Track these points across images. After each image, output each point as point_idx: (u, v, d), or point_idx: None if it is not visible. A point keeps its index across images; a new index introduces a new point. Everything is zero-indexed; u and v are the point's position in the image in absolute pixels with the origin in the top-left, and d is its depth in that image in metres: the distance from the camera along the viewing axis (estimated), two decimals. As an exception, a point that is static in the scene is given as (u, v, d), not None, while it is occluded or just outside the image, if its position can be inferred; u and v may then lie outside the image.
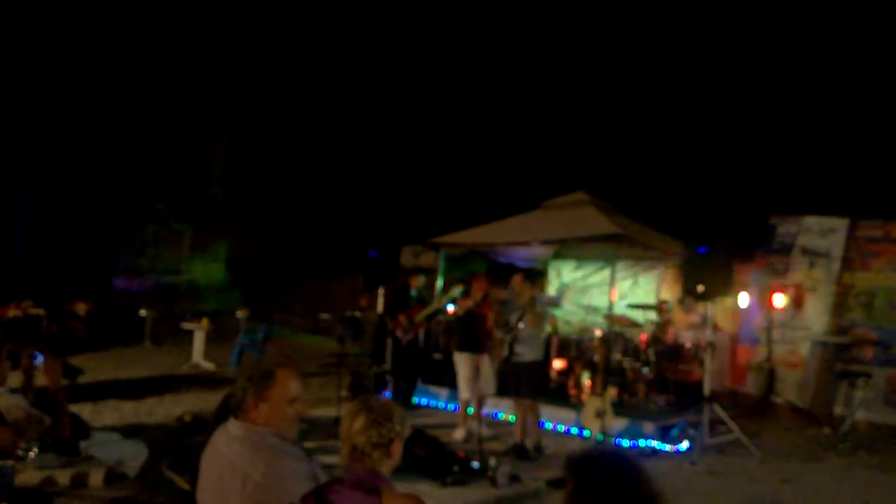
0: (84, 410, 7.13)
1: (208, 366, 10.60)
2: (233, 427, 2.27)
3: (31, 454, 2.46)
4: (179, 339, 12.21)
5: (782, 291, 8.77)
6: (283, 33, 20.71)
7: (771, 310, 8.74)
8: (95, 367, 10.12)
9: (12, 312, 11.41)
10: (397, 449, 2.13)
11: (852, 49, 13.31)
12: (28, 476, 2.35)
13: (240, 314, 11.39)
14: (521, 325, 6.15)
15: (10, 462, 2.31)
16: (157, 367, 10.40)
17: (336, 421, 6.74)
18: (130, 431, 6.46)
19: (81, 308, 13.56)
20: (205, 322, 10.82)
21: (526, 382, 6.18)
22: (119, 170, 19.23)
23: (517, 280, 6.38)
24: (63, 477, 2.34)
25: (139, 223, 19.98)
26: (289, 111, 21.36)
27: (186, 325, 11.04)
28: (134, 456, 3.78)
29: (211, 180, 21.67)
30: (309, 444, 6.00)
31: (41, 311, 12.11)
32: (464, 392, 6.84)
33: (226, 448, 2.23)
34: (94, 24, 18.62)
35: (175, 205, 20.46)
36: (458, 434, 6.71)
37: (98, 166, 18.79)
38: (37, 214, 17.93)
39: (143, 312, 12.60)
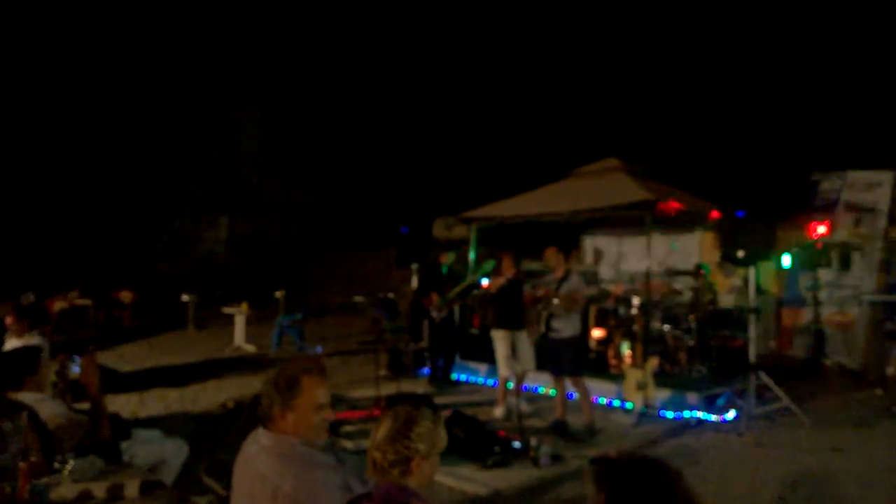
0: (130, 401, 7.39)
1: (250, 348, 10.82)
2: (262, 436, 2.26)
3: (68, 467, 2.48)
4: (222, 323, 12.51)
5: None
6: (310, 16, 20.52)
7: (816, 269, 8.39)
8: (142, 355, 10.48)
9: (59, 304, 11.88)
10: (420, 468, 2.00)
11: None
12: (65, 489, 2.37)
13: (278, 295, 11.55)
14: (555, 301, 6.04)
15: (44, 479, 2.33)
16: (200, 352, 10.66)
17: (376, 401, 6.82)
18: (176, 420, 6.66)
19: (127, 296, 14.06)
20: (244, 306, 11.01)
21: (566, 360, 6.09)
22: (155, 158, 19.58)
23: (550, 253, 6.24)
24: (99, 489, 2.36)
25: (178, 209, 20.39)
26: (316, 91, 21.31)
27: (227, 310, 11.26)
28: (175, 455, 3.84)
29: (242, 164, 21.89)
30: (349, 429, 6.10)
31: (88, 302, 12.59)
32: (503, 369, 6.79)
33: (255, 459, 2.22)
34: (130, 15, 18.77)
35: (210, 190, 20.78)
36: (498, 412, 6.69)
37: (135, 156, 19.16)
38: (79, 204, 18.44)
39: (185, 298, 12.90)
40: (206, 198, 20.58)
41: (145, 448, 3.79)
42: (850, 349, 8.28)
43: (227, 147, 21.58)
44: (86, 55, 18.13)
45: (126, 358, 10.33)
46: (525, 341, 6.83)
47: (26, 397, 3.08)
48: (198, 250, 20.09)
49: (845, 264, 8.44)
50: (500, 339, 6.77)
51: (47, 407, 3.14)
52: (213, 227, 20.81)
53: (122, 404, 7.25)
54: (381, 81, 20.62)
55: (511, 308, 6.72)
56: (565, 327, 6.08)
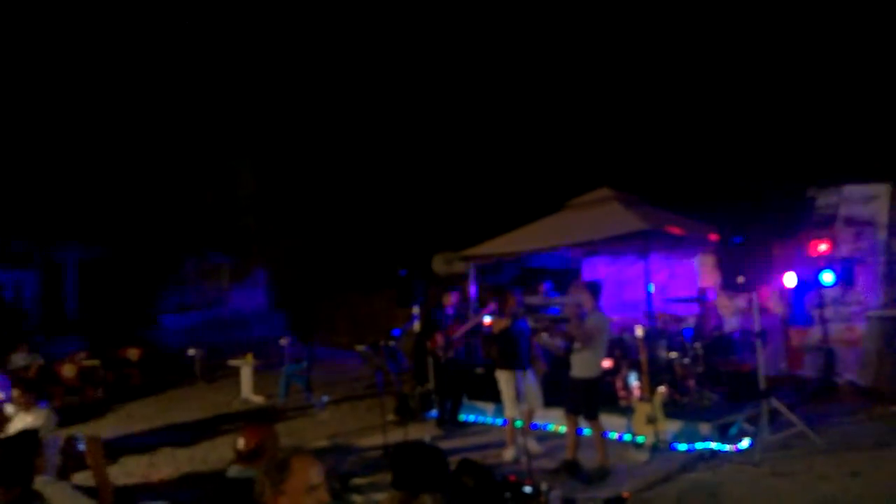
0: (140, 463, 7.35)
1: (258, 399, 10.77)
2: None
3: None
4: (230, 373, 12.47)
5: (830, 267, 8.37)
6: (301, 57, 20.91)
7: (821, 287, 8.36)
8: (151, 413, 10.44)
9: (68, 368, 11.90)
10: None
11: (881, 12, 12.62)
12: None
13: (283, 342, 11.55)
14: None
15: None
16: (209, 407, 10.61)
17: (384, 450, 6.76)
18: (186, 482, 6.61)
19: (134, 354, 14.05)
20: (249, 357, 11.01)
21: (581, 402, 6.00)
22: (154, 210, 19.77)
23: (575, 290, 6.21)
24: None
25: (180, 260, 20.51)
26: (310, 132, 21.57)
27: (233, 363, 11.25)
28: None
29: (241, 210, 22.07)
30: (358, 482, 6.04)
31: (96, 362, 12.61)
32: (509, 410, 6.74)
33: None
34: (120, 66, 19.16)
35: (210, 238, 20.93)
36: (508, 454, 6.61)
37: (134, 208, 19.36)
38: (85, 259, 18.57)
39: (191, 352, 12.90)
40: (204, 246, 20.71)
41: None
42: (860, 366, 8.19)
43: (224, 195, 21.81)
44: (79, 106, 18.47)
45: (135, 417, 10.29)
46: (532, 380, 6.79)
47: (36, 482, 3.11)
48: (201, 301, 20.14)
49: (849, 280, 8.40)
50: (504, 381, 6.74)
51: (58, 495, 3.15)
52: (216, 276, 20.91)
53: (133, 467, 7.22)
54: (374, 121, 20.88)
55: (514, 348, 6.70)
56: (582, 365, 6.01)
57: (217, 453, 7.66)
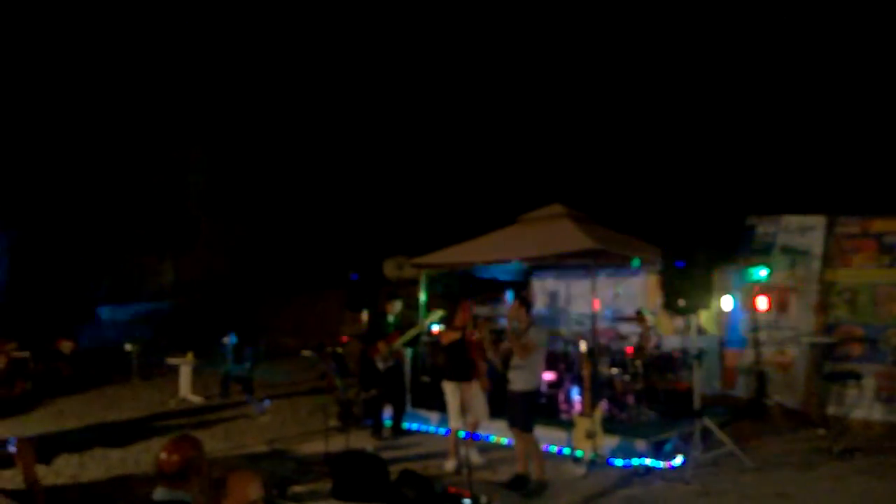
0: (70, 463, 7.03)
1: (196, 399, 10.47)
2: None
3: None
4: (168, 371, 12.08)
5: (765, 293, 8.75)
6: (257, 52, 20.52)
7: (755, 312, 8.71)
8: (83, 410, 10.01)
9: (-3, 358, 11.29)
10: None
11: (824, 47, 13.33)
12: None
13: (225, 340, 11.26)
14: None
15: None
16: (145, 406, 10.25)
17: (325, 457, 6.67)
18: (118, 483, 6.37)
19: (66, 346, 13.46)
20: (190, 356, 10.69)
21: (518, 413, 6.08)
22: (97, 197, 19.00)
23: (514, 307, 6.28)
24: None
25: (121, 251, 19.75)
26: (264, 129, 21.19)
27: (171, 361, 10.90)
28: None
29: (190, 203, 21.46)
30: (297, 489, 5.93)
31: (26, 354, 12.01)
32: (453, 421, 6.76)
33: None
34: (71, 50, 18.37)
35: (155, 230, 20.25)
36: (449, 465, 6.62)
37: (76, 195, 18.56)
38: (17, 246, 17.68)
39: (128, 347, 12.41)
40: (151, 239, 20.01)
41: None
42: (790, 389, 8.57)
43: (174, 187, 21.15)
44: (19, 88, 17.61)
45: (67, 414, 9.84)
46: (477, 391, 6.83)
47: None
48: (142, 294, 19.44)
49: (783, 306, 8.79)
50: (451, 392, 6.76)
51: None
52: (158, 270, 20.25)
53: (63, 467, 6.90)
54: (329, 125, 20.68)
55: (462, 361, 6.73)
56: (519, 381, 6.08)
57: (151, 455, 7.38)
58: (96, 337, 15.10)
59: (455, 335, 6.72)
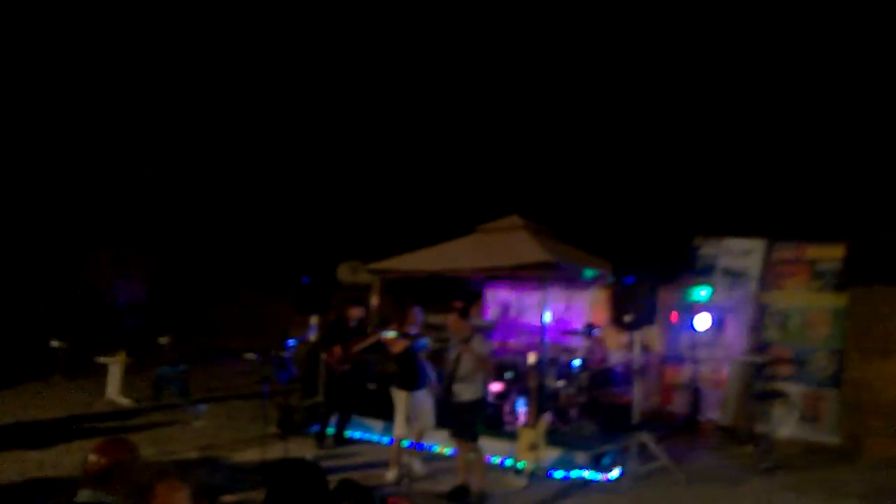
0: (-20, 465, 6.55)
1: (125, 402, 9.95)
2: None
3: None
4: (96, 371, 11.46)
5: (705, 312, 9.04)
6: (211, 41, 19.93)
7: (695, 330, 8.99)
8: (-2, 408, 9.37)
9: None
10: None
11: (768, 72, 14.01)
12: None
13: (162, 341, 10.78)
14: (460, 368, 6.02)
15: None
16: (68, 406, 9.66)
17: (262, 465, 6.44)
18: (34, 487, 5.97)
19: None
20: (121, 355, 10.17)
21: (465, 423, 6.04)
22: (30, 183, 17.97)
23: (452, 319, 6.25)
24: None
25: (53, 241, 18.69)
26: (216, 121, 20.57)
27: (101, 360, 10.34)
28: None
29: (135, 195, 20.55)
30: (228, 499, 5.70)
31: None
32: (398, 428, 6.66)
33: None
34: (28, 39, 17.40)
35: (91, 217, 19.26)
36: (391, 475, 6.51)
37: (14, 186, 17.52)
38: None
39: (54, 343, 11.70)
40: (89, 228, 19.02)
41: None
42: (722, 407, 8.87)
43: (119, 179, 20.23)
44: None
45: (-20, 411, 9.20)
46: (426, 399, 6.75)
47: None
48: (76, 288, 18.42)
49: (720, 325, 9.10)
50: (400, 399, 6.67)
51: None
52: (95, 261, 19.26)
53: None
54: (286, 124, 20.28)
55: (412, 369, 6.66)
56: (465, 391, 6.05)
57: (71, 458, 6.97)
58: (20, 334, 14.16)
59: (404, 344, 6.64)
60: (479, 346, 6.10)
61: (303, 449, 7.39)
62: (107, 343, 11.48)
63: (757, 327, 8.98)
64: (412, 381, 6.64)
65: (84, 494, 2.48)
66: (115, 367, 10.12)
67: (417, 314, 6.89)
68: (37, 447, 7.29)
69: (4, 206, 16.98)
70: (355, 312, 8.28)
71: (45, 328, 13.26)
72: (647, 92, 15.32)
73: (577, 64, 16.42)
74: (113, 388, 10.06)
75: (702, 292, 9.06)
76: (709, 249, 9.62)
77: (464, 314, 6.22)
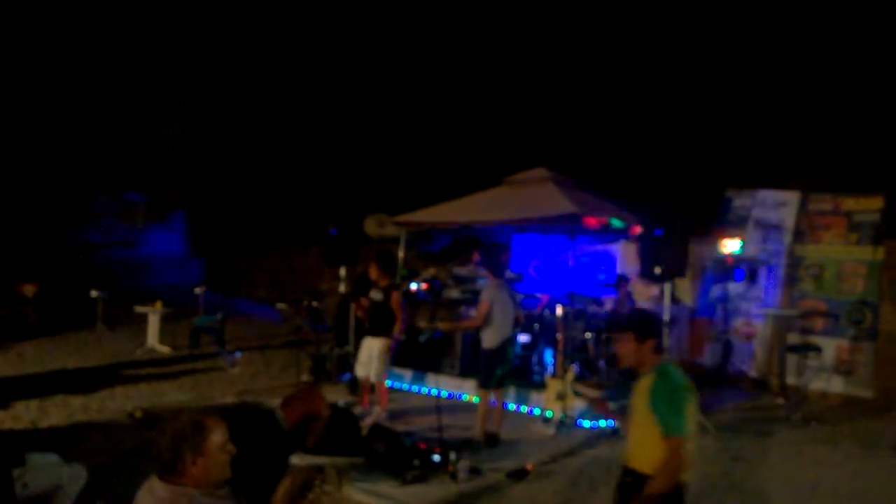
0: (30, 408, 6.90)
1: (164, 350, 10.32)
2: (158, 489, 2.12)
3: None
4: (135, 320, 11.87)
5: (738, 264, 8.89)
6: (238, 4, 19.70)
7: (727, 282, 8.87)
8: (45, 356, 9.80)
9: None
10: None
11: (805, 24, 13.31)
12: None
13: (198, 290, 11.06)
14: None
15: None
16: (109, 354, 10.06)
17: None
18: (79, 431, 6.25)
19: (29, 290, 13.10)
20: (158, 305, 10.49)
21: (478, 369, 6.18)
22: (66, 139, 18.29)
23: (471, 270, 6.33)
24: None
25: (89, 195, 19.12)
26: (246, 76, 20.51)
27: (140, 309, 10.68)
28: (72, 482, 3.60)
29: (164, 148, 20.80)
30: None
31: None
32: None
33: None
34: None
35: (127, 174, 19.61)
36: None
37: (43, 136, 17.84)
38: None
39: (93, 294, 12.10)
40: (120, 182, 19.36)
41: (40, 475, 3.54)
42: (754, 359, 8.81)
43: (149, 132, 20.46)
44: None
45: (28, 358, 9.63)
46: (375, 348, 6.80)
47: None
48: (110, 240, 18.92)
49: (753, 278, 8.95)
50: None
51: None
52: (130, 215, 19.69)
53: (22, 412, 6.76)
54: (314, 77, 20.08)
55: (378, 319, 6.86)
56: (484, 337, 6.22)
57: (115, 403, 7.30)
58: (62, 285, 14.67)
59: (378, 297, 6.84)
60: (489, 294, 6.15)
61: (335, 396, 7.60)
62: (144, 294, 11.83)
63: (792, 280, 8.81)
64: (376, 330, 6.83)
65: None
66: (153, 317, 10.45)
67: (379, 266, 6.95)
68: (81, 392, 7.62)
69: (43, 166, 17.35)
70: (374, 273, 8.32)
71: (85, 279, 13.73)
72: (677, 40, 14.72)
73: (609, 14, 15.81)
74: (152, 337, 10.42)
75: (735, 244, 8.88)
76: (742, 201, 9.40)
77: (492, 264, 6.27)
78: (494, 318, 6.14)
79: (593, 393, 6.56)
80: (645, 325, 3.06)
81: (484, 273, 6.43)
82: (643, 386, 2.96)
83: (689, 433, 2.79)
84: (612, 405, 6.80)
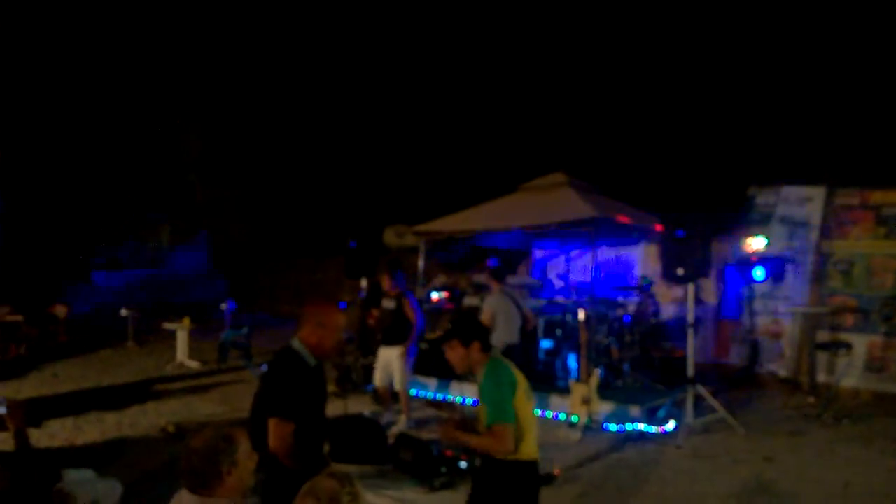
0: (66, 426, 7.06)
1: (193, 365, 10.50)
2: (188, 501, 2.18)
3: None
4: (164, 336, 12.09)
5: (762, 263, 8.77)
6: (252, 18, 20.08)
7: (752, 281, 8.75)
8: (78, 374, 10.03)
9: (-11, 320, 11.24)
10: None
11: (826, 17, 13.12)
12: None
13: (223, 306, 11.23)
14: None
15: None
16: (140, 370, 10.27)
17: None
18: (113, 448, 6.40)
19: (61, 311, 13.43)
20: (186, 321, 10.68)
21: None
22: (91, 161, 18.77)
23: (484, 278, 6.46)
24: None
25: (115, 216, 19.58)
26: (263, 94, 20.87)
27: (168, 325, 10.90)
28: (107, 496, 3.70)
29: (186, 166, 21.23)
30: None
31: (19, 318, 11.98)
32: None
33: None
34: (68, 16, 17.94)
35: (150, 194, 20.05)
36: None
37: (70, 158, 18.33)
38: (12, 211, 17.50)
39: (124, 312, 12.38)
40: (144, 204, 19.82)
41: (76, 490, 3.64)
42: (783, 358, 8.66)
43: (171, 151, 20.91)
44: (25, 57, 17.24)
45: (61, 377, 9.86)
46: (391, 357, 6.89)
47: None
48: (136, 259, 19.35)
49: (779, 276, 8.82)
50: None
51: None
52: (155, 234, 20.12)
53: (57, 430, 6.93)
54: (330, 90, 20.36)
55: (392, 328, 6.95)
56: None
57: (147, 418, 7.45)
58: (91, 302, 15.04)
59: (391, 305, 6.95)
60: (492, 304, 6.48)
61: (361, 406, 7.66)
62: (172, 311, 12.05)
63: (819, 277, 8.66)
64: (389, 339, 6.93)
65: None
66: (181, 333, 10.64)
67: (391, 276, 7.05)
68: (115, 409, 7.79)
69: (69, 190, 17.82)
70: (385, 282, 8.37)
71: (115, 298, 14.04)
72: (698, 36, 14.62)
73: (627, 11, 15.78)
74: (181, 352, 10.61)
75: (759, 242, 8.77)
76: (765, 198, 9.27)
77: (495, 274, 6.40)
78: (497, 325, 6.24)
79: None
80: (466, 329, 3.22)
81: (485, 279, 6.54)
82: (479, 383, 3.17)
83: (513, 419, 2.99)
84: (637, 408, 6.82)
